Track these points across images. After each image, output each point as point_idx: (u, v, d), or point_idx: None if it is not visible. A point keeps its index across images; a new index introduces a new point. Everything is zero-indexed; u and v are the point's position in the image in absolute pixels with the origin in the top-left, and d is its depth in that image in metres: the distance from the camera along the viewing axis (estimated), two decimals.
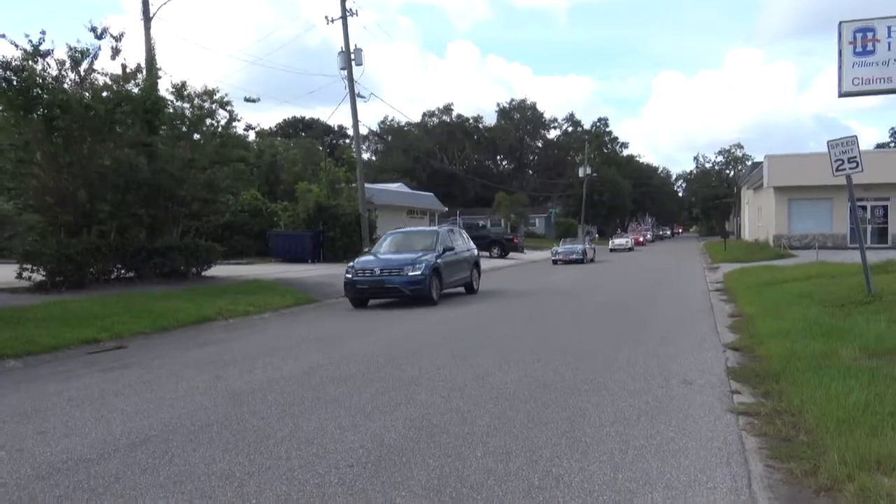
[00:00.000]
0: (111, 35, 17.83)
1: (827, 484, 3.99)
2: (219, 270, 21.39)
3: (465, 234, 20.21)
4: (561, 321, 12.57)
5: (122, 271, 18.07)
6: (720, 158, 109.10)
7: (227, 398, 6.75)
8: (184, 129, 20.07)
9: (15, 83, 15.64)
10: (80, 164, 16.92)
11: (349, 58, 29.43)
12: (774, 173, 37.76)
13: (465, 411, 5.99)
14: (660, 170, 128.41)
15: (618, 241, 55.44)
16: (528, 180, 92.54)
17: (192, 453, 5.01)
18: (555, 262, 35.18)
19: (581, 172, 78.31)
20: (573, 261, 34.64)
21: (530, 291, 19.16)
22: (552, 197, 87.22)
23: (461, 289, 18.36)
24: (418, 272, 15.34)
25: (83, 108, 16.31)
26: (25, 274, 15.59)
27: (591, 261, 36.15)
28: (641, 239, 70.43)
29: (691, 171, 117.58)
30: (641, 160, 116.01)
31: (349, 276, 15.79)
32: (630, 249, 52.69)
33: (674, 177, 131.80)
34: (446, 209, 61.99)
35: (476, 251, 19.74)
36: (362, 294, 15.72)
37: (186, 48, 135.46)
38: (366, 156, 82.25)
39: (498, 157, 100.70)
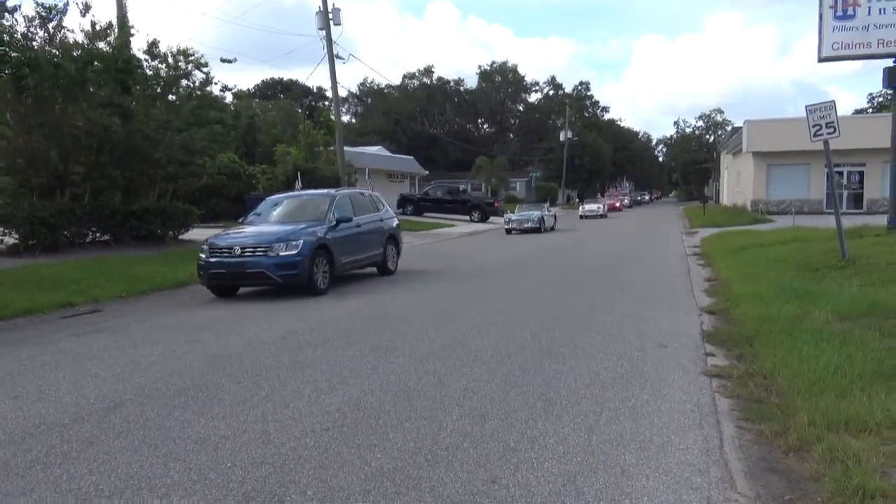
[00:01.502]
0: None
1: (796, 444, 4.07)
2: (196, 234, 21.11)
3: (377, 199, 15.46)
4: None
5: (98, 235, 17.81)
6: (700, 123, 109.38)
7: (203, 362, 6.72)
8: (158, 89, 19.62)
9: None
10: (52, 125, 16.56)
11: (327, 18, 28.86)
12: (753, 138, 37.90)
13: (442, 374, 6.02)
14: (640, 134, 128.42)
15: (588, 207, 50.03)
16: (508, 144, 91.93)
17: (166, 417, 4.99)
18: (508, 231, 31.27)
19: (562, 136, 78.15)
20: (529, 230, 30.84)
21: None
22: (533, 161, 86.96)
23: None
24: (293, 251, 11.26)
25: (53, 67, 15.86)
26: None
27: (551, 229, 32.52)
28: (618, 204, 66.07)
29: (671, 136, 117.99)
30: (622, 124, 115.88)
31: (202, 256, 11.77)
32: (603, 216, 48.81)
33: (654, 141, 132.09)
34: (427, 172, 61.61)
35: (395, 221, 15.47)
36: (219, 280, 11.68)
37: (159, 5, 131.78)
38: (345, 118, 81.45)
39: (479, 121, 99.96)
